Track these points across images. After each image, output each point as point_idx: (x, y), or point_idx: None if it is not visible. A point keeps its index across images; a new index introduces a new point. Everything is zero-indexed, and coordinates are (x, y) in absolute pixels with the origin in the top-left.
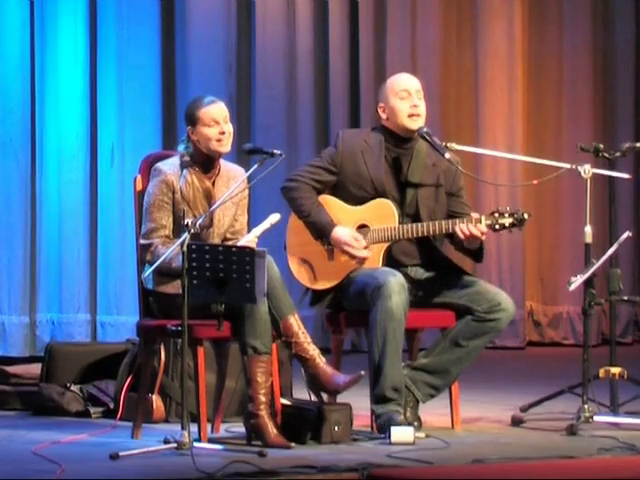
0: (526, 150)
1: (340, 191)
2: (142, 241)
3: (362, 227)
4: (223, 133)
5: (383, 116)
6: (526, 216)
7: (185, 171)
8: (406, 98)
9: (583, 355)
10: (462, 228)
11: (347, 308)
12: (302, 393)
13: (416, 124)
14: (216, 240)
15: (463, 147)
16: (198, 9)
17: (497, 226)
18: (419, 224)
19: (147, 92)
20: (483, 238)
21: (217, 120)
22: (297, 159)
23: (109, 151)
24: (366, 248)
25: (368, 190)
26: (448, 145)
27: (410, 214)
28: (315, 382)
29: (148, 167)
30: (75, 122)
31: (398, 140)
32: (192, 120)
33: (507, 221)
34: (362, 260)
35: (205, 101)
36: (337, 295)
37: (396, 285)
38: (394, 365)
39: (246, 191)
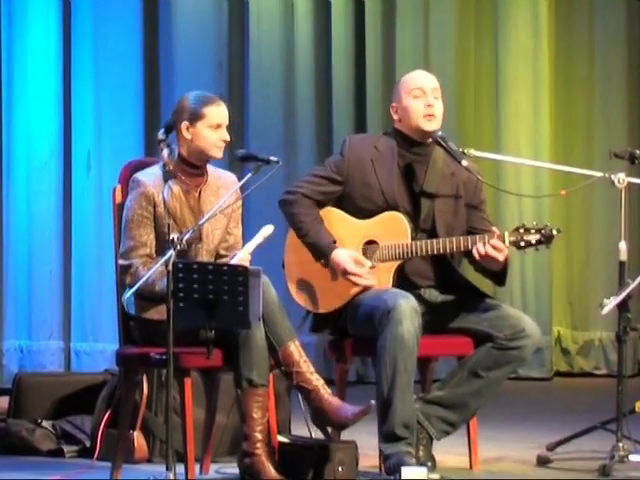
0: (553, 157)
1: (346, 203)
2: (121, 261)
3: (370, 243)
4: (225, 141)
5: (395, 117)
6: (555, 232)
7: (170, 182)
8: (420, 97)
9: (617, 387)
10: (478, 248)
11: (352, 334)
12: (301, 429)
13: (432, 125)
14: (205, 257)
15: (482, 154)
16: (185, 1)
17: (522, 243)
18: (434, 240)
19: (127, 92)
20: (501, 259)
21: (221, 125)
22: (296, 166)
23: (85, 158)
24: (373, 268)
25: (378, 202)
26: (466, 151)
27: (425, 229)
28: (320, 416)
29: (128, 176)
30: (47, 125)
31: (413, 145)
32: (192, 115)
33: (533, 238)
34: (366, 288)
35: (211, 98)
36: (341, 319)
37: (408, 309)
38: (405, 398)
39: (240, 202)
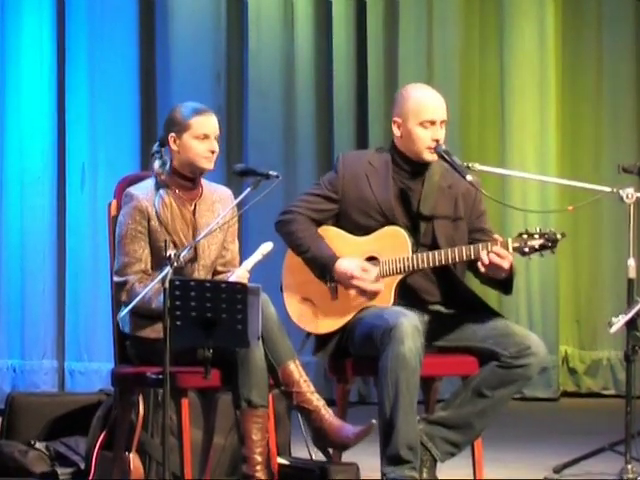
0: (560, 171)
1: (344, 221)
2: (116, 279)
3: (370, 259)
4: (213, 152)
5: (397, 134)
6: (559, 236)
7: (162, 191)
8: (429, 128)
9: (626, 407)
10: (482, 256)
11: (354, 354)
12: (302, 451)
13: (434, 157)
14: (202, 274)
15: (487, 168)
16: (182, 8)
17: (526, 249)
18: (436, 252)
19: (123, 104)
20: (506, 266)
21: (209, 135)
22: (296, 181)
23: (79, 172)
24: (378, 280)
25: (376, 217)
26: (470, 166)
27: (426, 244)
28: (321, 437)
29: (124, 191)
30: (40, 138)
31: (408, 163)
32: (179, 126)
33: (537, 242)
34: (373, 295)
35: (199, 108)
36: (342, 339)
37: (409, 327)
38: (408, 419)
39: (235, 217)
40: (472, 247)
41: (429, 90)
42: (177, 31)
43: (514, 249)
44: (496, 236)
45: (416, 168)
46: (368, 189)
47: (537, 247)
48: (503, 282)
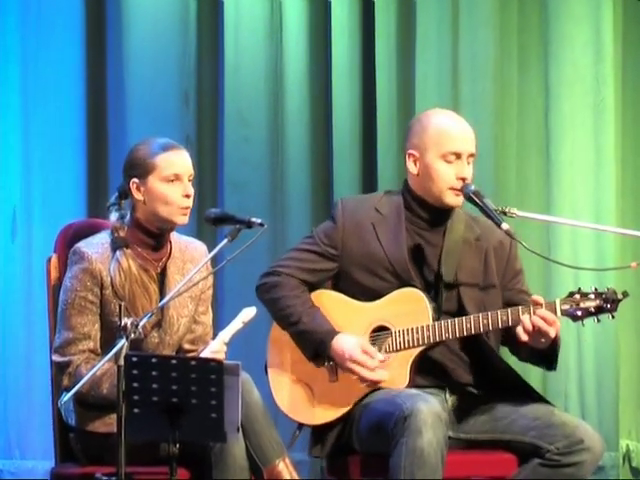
0: (619, 218)
1: (345, 283)
2: (56, 358)
3: (380, 330)
4: (188, 196)
5: (412, 169)
6: (620, 295)
7: (118, 252)
8: (453, 163)
9: None
10: (524, 320)
11: (359, 449)
12: None
13: (459, 201)
14: (167, 351)
15: (528, 214)
16: (140, 14)
17: (579, 312)
18: (463, 318)
19: (65, 134)
20: (552, 334)
21: (180, 176)
22: (285, 231)
23: (9, 219)
24: (383, 362)
25: (386, 277)
26: (507, 211)
27: (450, 311)
28: None
29: (68, 243)
30: None
31: (426, 210)
32: (141, 169)
33: (592, 304)
34: (374, 384)
35: (165, 143)
36: (344, 431)
37: (429, 415)
38: None
39: (210, 279)
40: (509, 311)
41: (454, 116)
42: (134, 41)
43: (563, 312)
44: (536, 297)
45: (436, 216)
46: (375, 242)
47: (592, 310)
48: (546, 355)
